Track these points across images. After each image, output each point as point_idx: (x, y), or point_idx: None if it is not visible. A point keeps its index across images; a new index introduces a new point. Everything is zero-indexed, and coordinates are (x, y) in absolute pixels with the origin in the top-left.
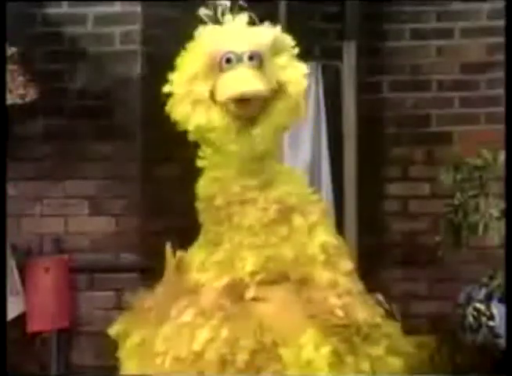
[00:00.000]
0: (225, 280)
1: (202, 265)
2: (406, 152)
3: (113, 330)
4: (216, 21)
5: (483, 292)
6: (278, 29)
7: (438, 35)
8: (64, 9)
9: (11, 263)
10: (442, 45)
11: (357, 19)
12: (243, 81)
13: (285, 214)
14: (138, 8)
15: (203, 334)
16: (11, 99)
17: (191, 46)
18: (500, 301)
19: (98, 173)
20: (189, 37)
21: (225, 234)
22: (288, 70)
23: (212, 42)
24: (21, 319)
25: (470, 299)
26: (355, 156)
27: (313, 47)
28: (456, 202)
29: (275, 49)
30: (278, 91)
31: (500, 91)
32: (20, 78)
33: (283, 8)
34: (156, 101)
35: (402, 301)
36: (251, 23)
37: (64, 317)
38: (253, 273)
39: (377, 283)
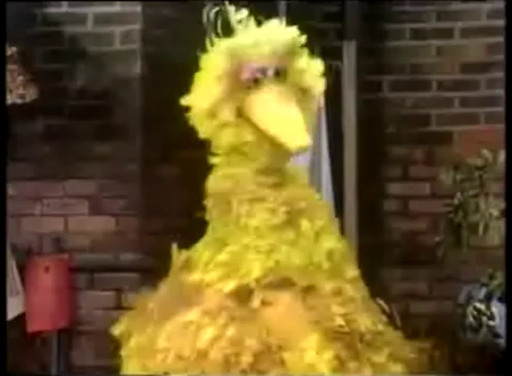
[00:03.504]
0: (230, 284)
1: (207, 265)
2: (406, 152)
3: (116, 330)
4: (227, 31)
5: (483, 292)
6: (290, 29)
7: (437, 35)
8: (64, 8)
9: (11, 263)
10: (442, 45)
11: (357, 19)
12: (297, 133)
13: (293, 217)
14: (138, 7)
15: (207, 333)
16: (11, 99)
17: (208, 61)
18: (500, 300)
19: (98, 173)
20: (191, 39)
21: (231, 234)
22: (308, 74)
23: (233, 59)
24: (21, 319)
25: (470, 299)
26: (355, 155)
27: (313, 47)
28: (456, 202)
29: (294, 52)
30: (301, 95)
31: (500, 91)
32: (20, 78)
33: (282, 8)
34: (156, 101)
35: (402, 301)
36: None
37: (64, 317)
38: (259, 279)
39: (377, 283)
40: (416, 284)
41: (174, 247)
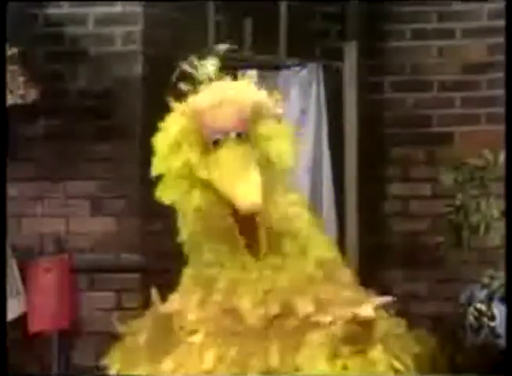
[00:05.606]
0: (227, 320)
1: (202, 303)
2: (407, 152)
3: (112, 370)
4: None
5: (484, 292)
6: (258, 91)
7: (438, 35)
8: (65, 9)
9: (12, 263)
10: (443, 46)
11: (358, 19)
12: (248, 192)
13: (275, 241)
14: (139, 8)
15: (211, 353)
16: (12, 99)
17: (170, 122)
18: (501, 301)
19: (98, 173)
20: (192, 39)
21: (218, 273)
22: (273, 143)
23: (195, 119)
24: (22, 319)
25: (471, 299)
26: (356, 156)
27: (314, 47)
28: (457, 202)
29: (259, 116)
30: (263, 160)
31: (501, 91)
32: (21, 79)
33: (283, 8)
34: (156, 101)
35: (403, 302)
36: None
37: (65, 317)
38: (253, 312)
39: (378, 283)
40: (417, 285)
41: (154, 292)
